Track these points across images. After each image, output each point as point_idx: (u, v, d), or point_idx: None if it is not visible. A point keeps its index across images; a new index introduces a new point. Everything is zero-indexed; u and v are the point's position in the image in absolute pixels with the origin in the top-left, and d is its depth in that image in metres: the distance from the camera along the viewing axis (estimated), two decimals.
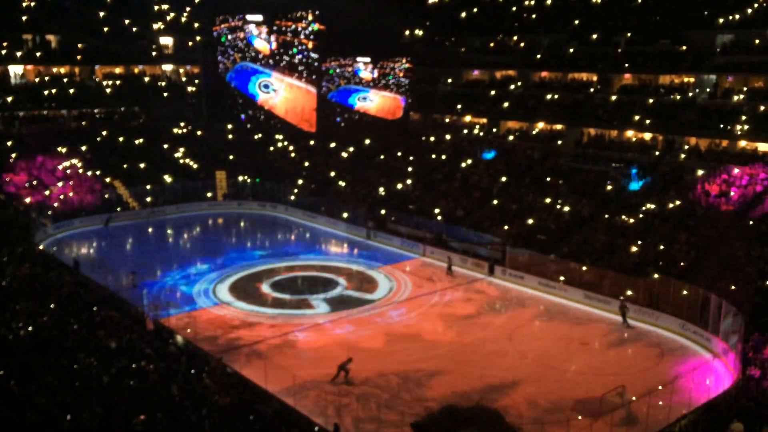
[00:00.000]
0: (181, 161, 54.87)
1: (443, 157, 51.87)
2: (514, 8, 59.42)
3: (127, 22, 60.92)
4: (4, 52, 53.59)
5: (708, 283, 29.85)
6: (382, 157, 55.04)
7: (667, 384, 23.34)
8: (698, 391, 22.92)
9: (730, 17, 44.86)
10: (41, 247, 38.98)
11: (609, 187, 41.74)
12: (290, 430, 19.49)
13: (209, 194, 53.00)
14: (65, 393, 17.83)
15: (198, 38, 62.47)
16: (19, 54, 54.70)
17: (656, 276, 31.90)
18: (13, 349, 20.29)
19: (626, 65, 48.30)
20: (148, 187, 50.46)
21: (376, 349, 27.92)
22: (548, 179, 44.47)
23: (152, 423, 17.29)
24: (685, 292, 30.02)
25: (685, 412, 21.20)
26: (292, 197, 52.15)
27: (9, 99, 52.88)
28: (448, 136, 55.15)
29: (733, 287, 29.17)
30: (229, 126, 59.51)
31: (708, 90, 44.74)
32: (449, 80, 60.04)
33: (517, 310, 33.24)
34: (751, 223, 33.88)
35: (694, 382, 23.55)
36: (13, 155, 47.38)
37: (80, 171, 47.47)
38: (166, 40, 63.49)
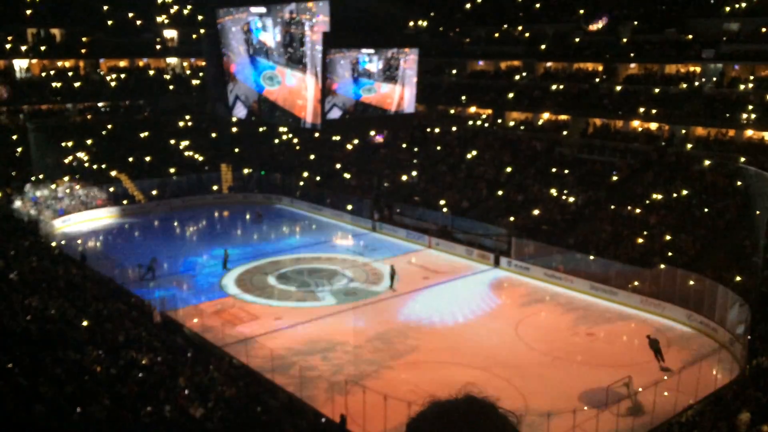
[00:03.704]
0: (186, 154, 54.93)
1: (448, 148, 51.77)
2: None
3: (131, 15, 60.84)
4: (8, 46, 53.59)
5: (714, 273, 29.79)
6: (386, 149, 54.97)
7: (674, 374, 23.31)
8: (705, 382, 22.90)
9: (737, 5, 44.44)
10: (48, 240, 39.12)
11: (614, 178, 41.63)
12: (297, 422, 19.57)
13: (215, 187, 53.06)
14: (73, 385, 17.92)
15: (202, 31, 62.29)
16: (23, 48, 54.66)
17: (662, 266, 31.83)
18: (21, 342, 20.39)
19: (632, 55, 47.97)
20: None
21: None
22: (554, 170, 44.36)
23: (159, 415, 17.38)
24: (691, 282, 29.96)
25: (692, 403, 21.19)
26: (298, 190, 52.14)
27: (13, 93, 52.94)
28: (453, 128, 54.98)
29: (739, 277, 29.11)
30: (234, 119, 59.40)
31: (714, 79, 44.41)
32: (454, 71, 59.77)
33: (522, 300, 33.24)
34: (758, 213, 33.74)
35: (700, 372, 23.52)
36: (19, 149, 47.40)
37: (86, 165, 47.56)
38: (171, 33, 63.41)
